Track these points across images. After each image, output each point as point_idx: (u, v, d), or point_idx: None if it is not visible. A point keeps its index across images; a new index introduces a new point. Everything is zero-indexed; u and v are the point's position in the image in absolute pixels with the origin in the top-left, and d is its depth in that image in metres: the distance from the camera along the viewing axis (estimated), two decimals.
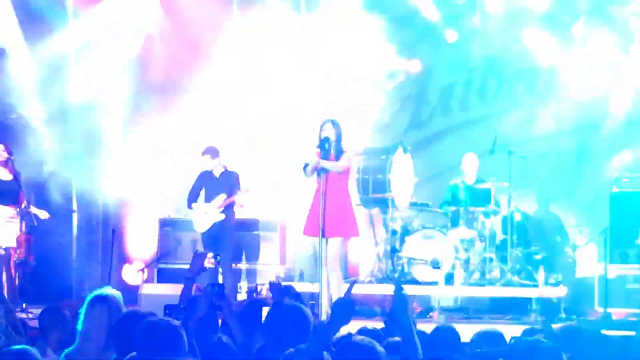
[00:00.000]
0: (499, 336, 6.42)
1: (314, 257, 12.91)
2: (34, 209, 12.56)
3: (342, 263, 11.58)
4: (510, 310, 12.46)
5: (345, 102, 14.39)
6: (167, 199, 14.42)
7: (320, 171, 10.72)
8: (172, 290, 11.95)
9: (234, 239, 12.98)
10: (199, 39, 14.46)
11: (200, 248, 12.41)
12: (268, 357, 5.50)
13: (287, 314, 5.61)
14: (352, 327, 5.88)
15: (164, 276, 13.75)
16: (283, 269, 14.04)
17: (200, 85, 14.61)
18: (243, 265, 13.66)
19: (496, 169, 13.35)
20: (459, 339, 6.46)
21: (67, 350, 6.08)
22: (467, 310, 12.76)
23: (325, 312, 10.23)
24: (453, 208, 13.17)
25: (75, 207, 14.70)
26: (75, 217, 14.77)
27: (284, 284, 8.28)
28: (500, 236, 13.19)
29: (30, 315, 11.04)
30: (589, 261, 13.56)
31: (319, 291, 10.56)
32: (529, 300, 12.43)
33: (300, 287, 10.61)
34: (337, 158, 10.87)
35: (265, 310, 6.26)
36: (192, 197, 12.88)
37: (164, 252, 13.93)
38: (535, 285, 12.54)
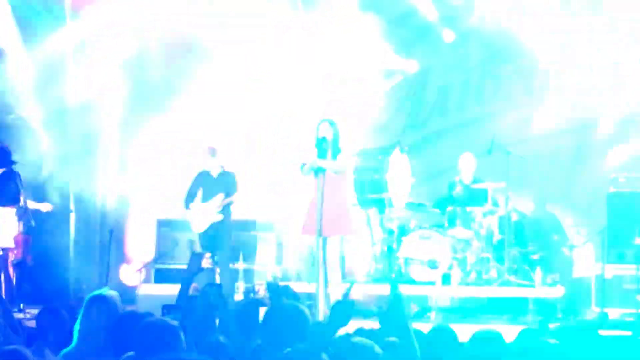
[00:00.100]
0: (496, 336, 6.42)
1: (311, 257, 12.90)
2: (34, 204, 12.57)
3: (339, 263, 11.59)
4: (508, 310, 12.46)
5: (344, 102, 14.40)
6: (166, 200, 14.41)
7: (317, 171, 10.73)
8: (169, 290, 12.02)
9: (231, 239, 12.98)
10: (198, 39, 14.46)
11: (197, 248, 12.41)
12: (265, 357, 5.51)
13: (284, 313, 5.62)
14: (348, 327, 5.89)
15: (161, 276, 13.77)
16: (280, 269, 14.04)
17: (200, 85, 14.61)
18: (240, 266, 13.62)
19: (493, 169, 13.36)
20: (456, 339, 6.46)
21: (65, 351, 6.09)
22: (464, 310, 12.76)
23: (322, 312, 10.24)
24: (450, 208, 13.18)
25: (73, 207, 14.70)
26: (73, 218, 14.76)
27: (281, 284, 8.30)
28: (497, 236, 13.17)
29: (28, 316, 11.05)
30: (586, 261, 13.54)
31: (316, 291, 10.57)
32: (526, 300, 12.43)
33: (297, 287, 10.62)
34: (334, 158, 10.88)
35: (262, 310, 6.27)
36: (189, 198, 12.86)
37: (162, 253, 13.93)
38: (532, 285, 12.53)
